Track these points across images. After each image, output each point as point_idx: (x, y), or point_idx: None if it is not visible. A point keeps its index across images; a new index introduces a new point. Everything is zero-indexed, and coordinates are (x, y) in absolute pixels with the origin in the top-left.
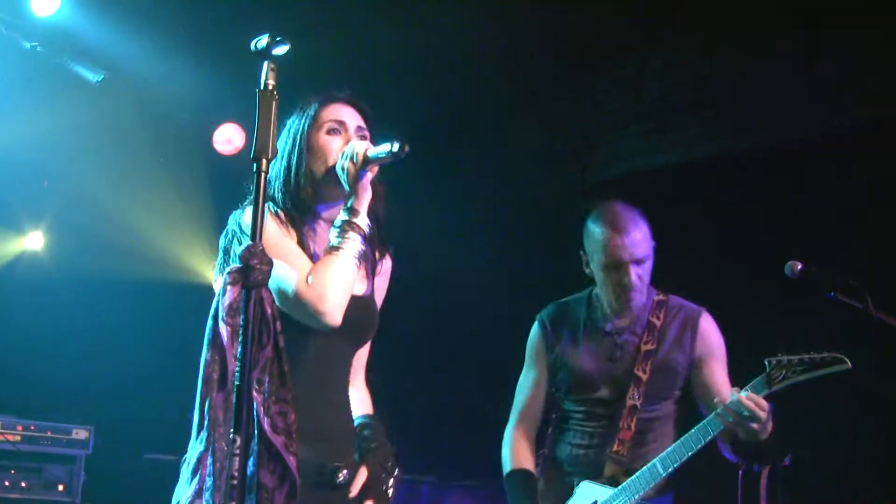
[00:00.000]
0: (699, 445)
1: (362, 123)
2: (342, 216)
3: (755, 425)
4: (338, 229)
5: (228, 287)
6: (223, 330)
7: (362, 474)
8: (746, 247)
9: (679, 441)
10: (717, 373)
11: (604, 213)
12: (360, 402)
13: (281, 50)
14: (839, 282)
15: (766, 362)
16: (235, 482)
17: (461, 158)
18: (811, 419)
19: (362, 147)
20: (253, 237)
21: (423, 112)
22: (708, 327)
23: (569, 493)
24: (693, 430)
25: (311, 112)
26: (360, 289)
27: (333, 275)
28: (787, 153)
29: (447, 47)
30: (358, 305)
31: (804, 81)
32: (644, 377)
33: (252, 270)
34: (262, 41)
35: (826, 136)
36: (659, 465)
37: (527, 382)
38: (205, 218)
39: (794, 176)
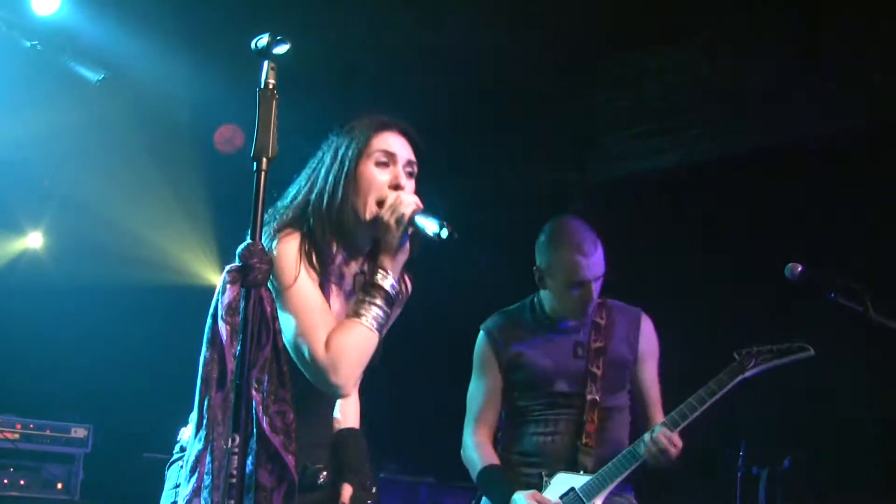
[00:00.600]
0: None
1: (413, 157)
2: (373, 276)
3: (663, 459)
4: (364, 292)
5: (228, 286)
6: (222, 329)
7: (347, 491)
8: (746, 248)
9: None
10: (651, 370)
11: (562, 232)
12: (350, 414)
13: (281, 49)
14: (840, 284)
15: (736, 353)
16: (234, 481)
17: (461, 157)
18: (809, 424)
19: (410, 208)
20: (252, 236)
21: (422, 111)
22: (648, 326)
23: (538, 484)
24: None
25: (362, 139)
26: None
27: (352, 347)
28: (788, 154)
29: (448, 46)
30: None
31: (805, 82)
32: (598, 372)
33: (251, 270)
34: (263, 40)
35: (827, 136)
36: (637, 449)
37: (479, 390)
38: (204, 219)
39: (795, 176)
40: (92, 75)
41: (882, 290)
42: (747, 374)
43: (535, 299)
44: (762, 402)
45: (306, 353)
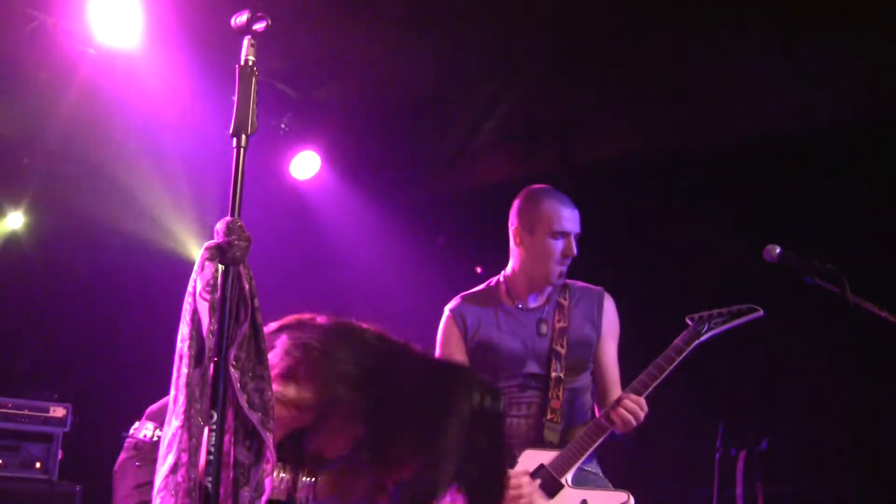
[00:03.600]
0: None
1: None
2: None
3: (633, 424)
4: None
5: (206, 263)
6: (200, 306)
7: None
8: (724, 233)
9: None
10: (611, 350)
11: (543, 190)
12: None
13: (261, 26)
14: (817, 267)
15: (689, 319)
16: (211, 458)
17: (441, 142)
18: (787, 406)
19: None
20: (232, 213)
21: (403, 94)
22: (610, 306)
23: (511, 463)
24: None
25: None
26: None
27: None
28: (765, 142)
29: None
30: None
31: (782, 71)
32: (563, 352)
33: (230, 247)
34: (242, 17)
35: (804, 125)
36: (604, 421)
37: None
38: (187, 197)
39: (773, 164)
40: None
41: (862, 275)
42: (703, 338)
43: (500, 279)
44: (740, 384)
45: None
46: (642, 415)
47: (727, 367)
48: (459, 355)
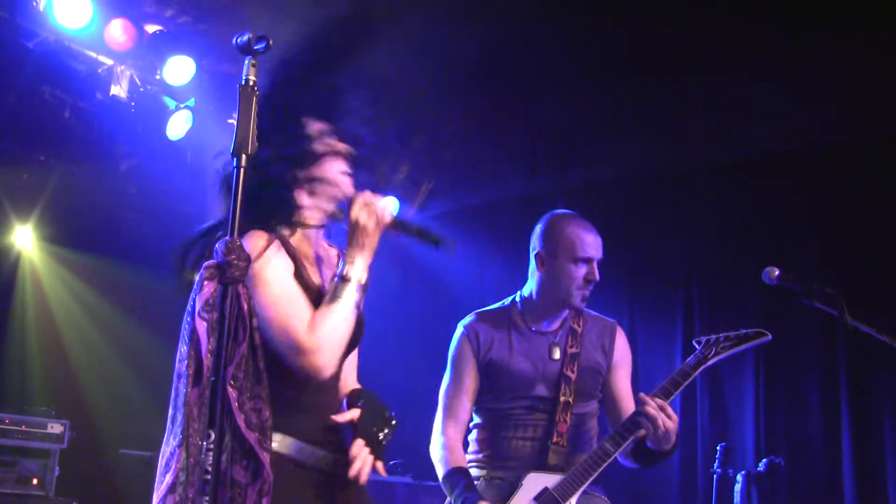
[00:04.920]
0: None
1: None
2: (345, 268)
3: (661, 428)
4: (339, 281)
5: (205, 282)
6: (199, 325)
7: (353, 413)
8: (723, 252)
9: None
10: (624, 379)
11: (566, 216)
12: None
13: (261, 46)
14: (816, 289)
15: (696, 342)
16: (209, 477)
17: (444, 157)
18: (786, 428)
19: (389, 211)
20: (230, 232)
21: (401, 107)
22: (622, 338)
23: (513, 485)
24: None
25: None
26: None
27: (332, 330)
28: (766, 160)
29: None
30: None
31: (783, 89)
32: (573, 376)
33: (229, 266)
34: (244, 37)
35: (805, 143)
36: (609, 445)
37: (454, 388)
38: (185, 215)
39: (773, 182)
40: None
41: (859, 295)
42: (710, 363)
43: (516, 299)
44: (739, 406)
45: (288, 341)
46: (668, 420)
47: (726, 388)
48: (471, 372)
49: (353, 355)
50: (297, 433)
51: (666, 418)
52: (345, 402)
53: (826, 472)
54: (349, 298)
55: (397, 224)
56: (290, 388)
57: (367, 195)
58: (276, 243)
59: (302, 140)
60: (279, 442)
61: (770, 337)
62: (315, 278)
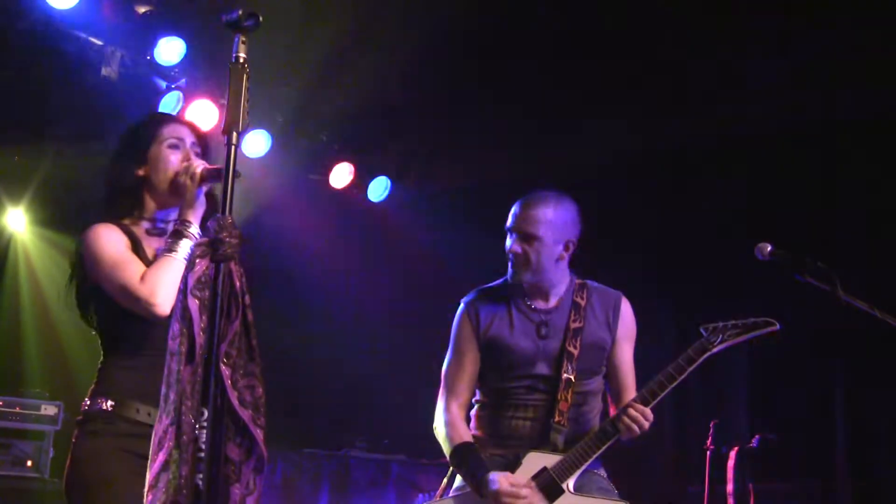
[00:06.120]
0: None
1: (196, 140)
2: (176, 225)
3: (636, 431)
4: (172, 236)
5: (197, 260)
6: (191, 303)
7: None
8: (718, 231)
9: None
10: (627, 353)
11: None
12: None
13: (251, 23)
14: (808, 264)
15: (702, 329)
16: (202, 455)
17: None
18: (779, 404)
19: (199, 166)
20: (223, 210)
21: (394, 93)
22: (627, 309)
23: (514, 464)
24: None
25: (153, 129)
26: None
27: (163, 273)
28: (760, 140)
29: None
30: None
31: (777, 69)
32: (575, 353)
33: (221, 244)
34: (234, 15)
35: (798, 123)
36: (609, 427)
37: (456, 366)
38: None
39: (767, 162)
40: None
41: (853, 274)
42: (714, 350)
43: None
44: (732, 382)
45: (127, 288)
46: (647, 424)
47: (718, 365)
48: (471, 349)
49: None
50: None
51: (644, 423)
52: None
53: (818, 447)
54: (182, 251)
55: (209, 174)
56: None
57: (192, 160)
58: (110, 226)
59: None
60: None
61: (778, 326)
62: (150, 253)
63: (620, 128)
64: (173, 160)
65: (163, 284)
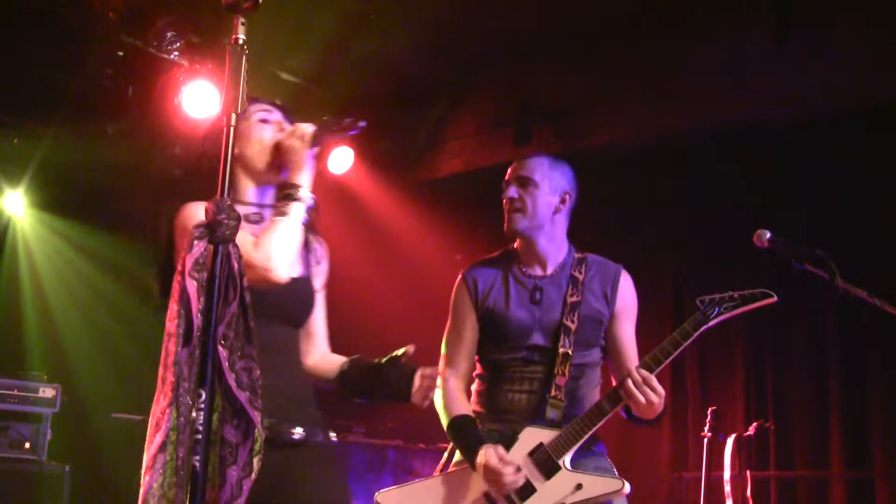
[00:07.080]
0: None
1: (283, 114)
2: (287, 189)
3: (642, 400)
4: (282, 199)
5: (195, 241)
6: (189, 285)
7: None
8: (716, 220)
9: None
10: (627, 327)
11: None
12: (336, 359)
13: (251, 5)
14: (806, 252)
15: (699, 301)
16: (199, 437)
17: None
18: (775, 392)
19: (310, 126)
20: (221, 192)
21: (387, 81)
22: (626, 283)
23: (511, 439)
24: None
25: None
26: (293, 272)
27: (278, 237)
28: (758, 130)
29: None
30: (288, 287)
31: (775, 59)
32: (573, 326)
33: (219, 225)
34: None
35: (797, 113)
36: (606, 404)
37: (454, 337)
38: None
39: (765, 152)
40: None
41: (852, 263)
42: (711, 322)
43: (516, 244)
44: (729, 369)
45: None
46: (654, 396)
47: (716, 352)
48: (470, 320)
49: (314, 329)
50: None
51: (650, 391)
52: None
53: (814, 435)
54: (296, 214)
55: (318, 135)
56: None
57: (287, 128)
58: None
59: None
60: None
61: (776, 298)
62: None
63: (617, 116)
64: (267, 134)
65: (279, 248)
